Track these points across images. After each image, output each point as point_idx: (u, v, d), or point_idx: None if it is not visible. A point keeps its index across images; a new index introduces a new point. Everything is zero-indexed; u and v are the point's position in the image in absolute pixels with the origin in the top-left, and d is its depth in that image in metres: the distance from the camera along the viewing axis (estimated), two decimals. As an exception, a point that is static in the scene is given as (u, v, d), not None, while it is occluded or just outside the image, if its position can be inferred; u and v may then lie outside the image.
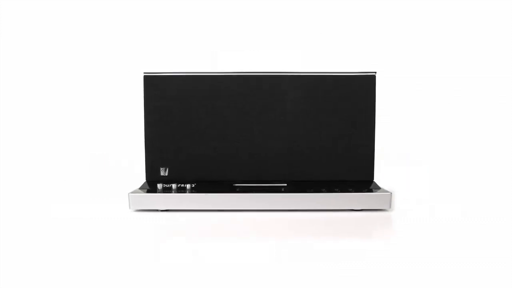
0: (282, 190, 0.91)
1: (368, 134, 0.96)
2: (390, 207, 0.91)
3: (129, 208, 0.92)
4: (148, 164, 0.97)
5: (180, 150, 0.97)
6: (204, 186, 0.94)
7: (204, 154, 0.97)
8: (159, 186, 0.94)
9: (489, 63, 1.23)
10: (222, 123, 0.97)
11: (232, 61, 1.24)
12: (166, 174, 0.97)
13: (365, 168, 0.97)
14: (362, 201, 0.91)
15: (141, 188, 0.96)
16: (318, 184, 0.94)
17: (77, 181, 1.18)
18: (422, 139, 1.25)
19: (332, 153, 0.97)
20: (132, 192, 0.93)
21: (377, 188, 0.95)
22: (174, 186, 0.94)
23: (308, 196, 0.90)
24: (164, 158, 0.97)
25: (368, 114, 0.96)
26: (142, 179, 0.97)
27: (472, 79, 1.25)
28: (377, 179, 0.98)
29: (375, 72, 0.96)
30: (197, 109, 0.97)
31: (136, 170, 1.04)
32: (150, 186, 0.95)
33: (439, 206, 0.96)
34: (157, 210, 0.92)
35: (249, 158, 0.97)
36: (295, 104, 0.96)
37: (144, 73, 0.97)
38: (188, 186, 0.94)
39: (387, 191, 0.92)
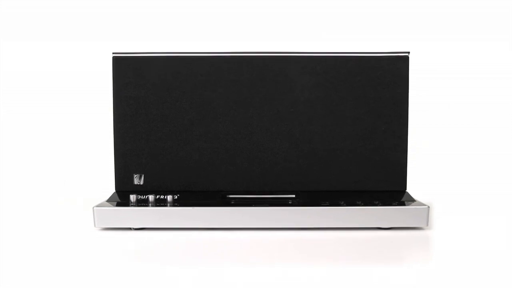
0: (290, 202, 0.78)
1: (399, 131, 0.80)
2: (427, 224, 0.77)
3: (94, 225, 0.77)
4: (118, 170, 0.81)
5: (158, 152, 0.80)
6: (189, 197, 0.79)
7: (190, 157, 0.80)
8: (132, 197, 0.77)
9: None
10: (213, 117, 0.80)
11: (226, 38, 1.07)
12: (141, 183, 0.81)
13: (395, 175, 0.80)
14: (391, 217, 0.76)
15: (110, 200, 0.80)
16: (336, 195, 0.80)
17: (32, 189, 1.06)
18: (466, 137, 1.10)
19: (353, 155, 0.80)
20: (97, 206, 0.76)
21: (411, 200, 0.79)
22: (151, 197, 0.77)
23: (323, 211, 0.76)
24: (138, 163, 0.80)
25: (400, 106, 0.80)
26: (111, 188, 0.83)
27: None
28: (411, 188, 0.85)
29: (408, 53, 0.78)
30: (181, 100, 0.80)
31: (105, 178, 0.90)
32: (121, 197, 0.81)
33: (488, 221, 0.85)
34: (129, 229, 0.78)
35: (247, 162, 0.80)
36: (307, 93, 0.80)
37: (114, 53, 0.80)
38: (169, 197, 0.78)
39: (423, 204, 0.76)
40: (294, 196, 0.79)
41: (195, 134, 0.79)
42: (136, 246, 0.71)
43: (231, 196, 0.80)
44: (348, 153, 0.80)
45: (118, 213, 0.75)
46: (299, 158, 0.80)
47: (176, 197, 0.78)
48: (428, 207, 0.75)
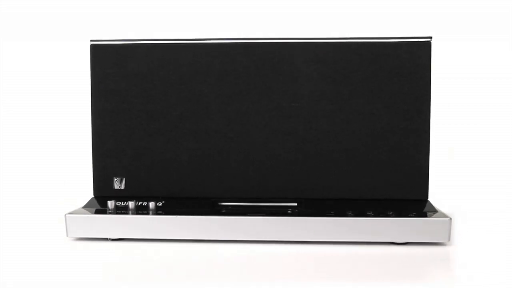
0: (290, 212, 0.69)
1: (420, 130, 0.70)
2: (449, 239, 0.67)
3: (67, 235, 0.69)
4: (96, 173, 0.72)
5: (141, 153, 0.72)
6: (175, 204, 0.71)
7: (177, 158, 0.71)
8: (110, 204, 0.69)
9: None
10: (203, 113, 0.71)
11: (219, 22, 0.98)
12: (122, 187, 0.72)
13: (415, 181, 0.70)
14: (407, 231, 0.66)
15: (87, 206, 0.72)
16: (345, 204, 0.70)
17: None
18: (494, 137, 1.02)
19: (366, 158, 0.70)
20: (70, 213, 0.68)
21: (432, 210, 0.68)
22: (131, 204, 0.69)
23: (328, 222, 0.66)
24: (119, 165, 0.72)
25: (421, 100, 0.69)
26: (89, 193, 0.75)
27: None
28: (434, 197, 0.74)
29: (431, 38, 0.67)
30: (167, 93, 0.71)
31: (83, 181, 0.82)
32: (100, 203, 0.73)
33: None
34: (106, 239, 0.69)
35: (242, 165, 0.71)
36: (312, 85, 0.70)
37: (91, 41, 0.71)
38: (151, 204, 0.69)
39: (445, 216, 0.66)
40: (296, 204, 0.70)
41: (183, 133, 0.71)
42: (110, 259, 0.64)
43: (223, 203, 0.71)
44: (360, 155, 0.70)
45: (93, 221, 0.67)
46: (303, 160, 0.70)
47: (161, 204, 0.70)
48: (450, 219, 0.65)
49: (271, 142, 0.70)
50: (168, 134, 0.71)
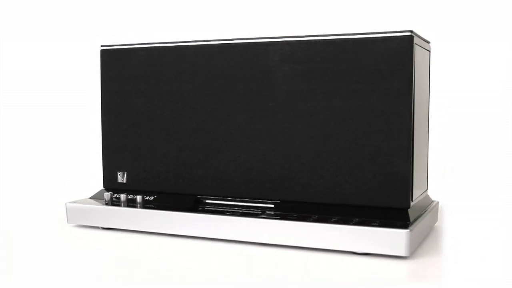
0: (261, 214, 0.66)
1: (400, 132, 0.61)
2: (406, 253, 0.58)
3: (67, 222, 0.73)
4: (105, 167, 0.76)
5: (140, 150, 0.74)
6: (165, 199, 0.72)
7: (168, 156, 0.72)
8: (106, 196, 0.72)
9: None
10: (192, 113, 0.70)
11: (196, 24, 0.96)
12: (124, 181, 0.74)
13: (392, 187, 0.62)
14: (367, 241, 0.59)
15: (93, 197, 0.75)
16: (320, 207, 0.65)
17: (34, 183, 1.04)
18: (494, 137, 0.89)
19: (340, 161, 0.64)
20: (71, 202, 0.73)
21: (404, 220, 0.60)
22: (123, 197, 0.71)
23: (288, 226, 0.62)
24: (122, 160, 0.75)
25: (402, 100, 0.61)
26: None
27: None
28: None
29: (411, 32, 0.60)
30: (160, 93, 0.72)
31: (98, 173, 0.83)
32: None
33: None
34: (97, 228, 0.73)
35: (223, 164, 0.69)
36: (287, 85, 0.66)
37: (102, 46, 0.75)
38: (138, 198, 0.71)
39: (407, 228, 0.58)
40: (272, 206, 0.66)
41: (173, 131, 0.71)
42: (92, 246, 0.65)
43: (207, 201, 0.70)
44: (335, 158, 0.63)
45: (87, 211, 0.71)
46: (280, 162, 0.66)
47: (152, 198, 0.71)
48: (409, 231, 0.57)
49: (250, 142, 0.67)
50: (161, 132, 0.71)
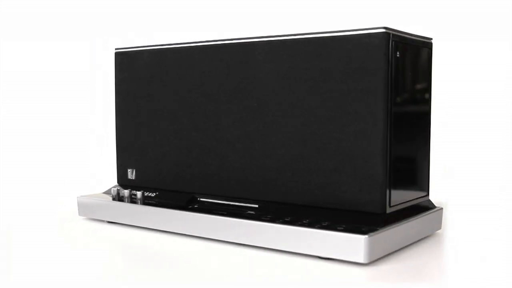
0: (243, 214, 0.66)
1: (375, 133, 0.58)
2: (367, 259, 0.55)
3: (78, 214, 0.78)
4: (119, 164, 0.79)
5: (145, 148, 0.76)
6: (164, 197, 0.74)
7: (169, 154, 0.74)
8: (113, 191, 0.76)
9: None
10: (188, 113, 0.71)
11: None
12: (133, 178, 0.77)
13: (370, 191, 0.59)
14: (330, 246, 0.57)
15: (106, 192, 0.79)
16: (301, 210, 0.63)
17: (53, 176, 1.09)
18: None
19: (322, 162, 0.62)
20: (82, 196, 0.77)
21: (376, 225, 0.57)
22: (126, 193, 0.75)
23: (262, 227, 0.62)
24: (131, 158, 0.78)
25: (374, 100, 0.58)
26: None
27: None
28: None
29: (385, 28, 0.58)
30: (163, 93, 0.73)
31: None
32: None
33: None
34: (103, 221, 0.76)
35: (215, 163, 0.69)
36: (268, 85, 0.65)
37: (116, 49, 0.79)
38: (138, 194, 0.73)
39: (363, 232, 0.55)
40: (256, 206, 0.66)
41: (173, 131, 0.73)
42: (88, 239, 0.68)
43: (202, 199, 0.71)
44: (311, 160, 0.62)
45: (94, 205, 0.75)
46: (262, 162, 0.65)
47: (154, 194, 0.73)
48: (367, 237, 0.54)
49: (238, 142, 0.67)
50: (163, 132, 0.73)
